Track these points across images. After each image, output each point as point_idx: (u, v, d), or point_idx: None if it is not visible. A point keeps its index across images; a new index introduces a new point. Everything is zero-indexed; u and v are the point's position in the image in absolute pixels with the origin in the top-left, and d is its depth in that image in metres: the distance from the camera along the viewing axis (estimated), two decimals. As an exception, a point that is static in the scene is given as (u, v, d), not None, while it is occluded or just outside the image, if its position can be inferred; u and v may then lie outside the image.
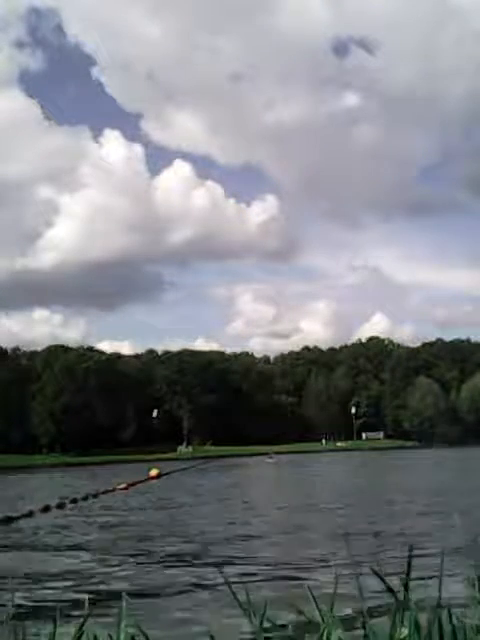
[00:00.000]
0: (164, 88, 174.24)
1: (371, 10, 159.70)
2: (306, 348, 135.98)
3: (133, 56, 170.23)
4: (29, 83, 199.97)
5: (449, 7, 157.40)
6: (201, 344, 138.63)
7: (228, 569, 9.43)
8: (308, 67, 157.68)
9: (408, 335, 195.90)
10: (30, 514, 17.84)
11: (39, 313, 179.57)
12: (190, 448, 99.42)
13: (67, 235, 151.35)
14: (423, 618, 1.54)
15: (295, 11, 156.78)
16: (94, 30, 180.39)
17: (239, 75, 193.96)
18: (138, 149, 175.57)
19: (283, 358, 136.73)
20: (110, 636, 1.57)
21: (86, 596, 7.35)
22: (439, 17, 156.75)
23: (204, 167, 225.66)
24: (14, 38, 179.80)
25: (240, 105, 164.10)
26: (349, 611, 2.38)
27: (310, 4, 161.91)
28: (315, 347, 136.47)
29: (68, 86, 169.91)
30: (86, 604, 6.82)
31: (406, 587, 1.56)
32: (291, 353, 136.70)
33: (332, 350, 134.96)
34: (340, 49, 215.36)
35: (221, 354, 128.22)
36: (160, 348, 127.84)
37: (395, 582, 1.62)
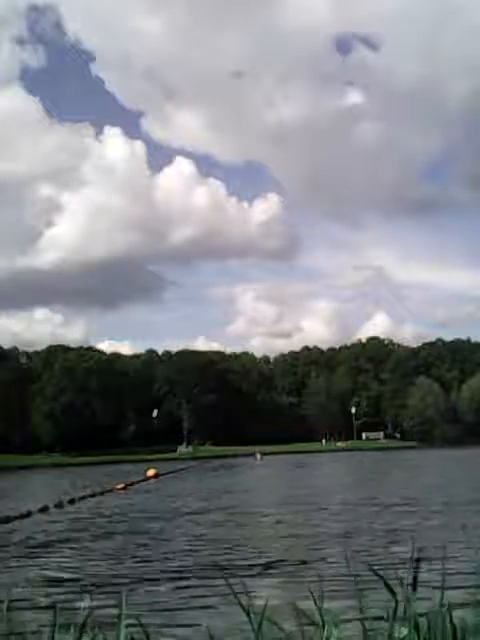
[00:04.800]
0: (165, 85, 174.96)
1: (374, 7, 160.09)
2: (306, 348, 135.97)
3: (133, 53, 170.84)
4: (30, 80, 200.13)
5: (452, 4, 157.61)
6: (202, 344, 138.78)
7: (227, 569, 9.37)
8: (310, 64, 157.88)
9: (408, 335, 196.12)
10: (28, 514, 17.81)
11: (40, 312, 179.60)
12: (190, 448, 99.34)
13: (68, 234, 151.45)
14: (422, 618, 1.54)
15: (297, 8, 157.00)
16: (94, 27, 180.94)
17: (240, 72, 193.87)
18: (139, 147, 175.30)
19: (283, 358, 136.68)
20: (105, 637, 1.58)
21: (86, 595, 7.30)
22: (442, 14, 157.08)
23: (206, 165, 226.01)
24: (14, 35, 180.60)
25: (241, 103, 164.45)
26: (349, 610, 2.32)
27: (312, 1, 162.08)
28: (315, 347, 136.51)
29: (68, 83, 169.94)
30: (86, 603, 6.77)
31: (408, 586, 1.58)
32: (291, 353, 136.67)
33: (332, 350, 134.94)
34: (342, 46, 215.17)
35: (221, 354, 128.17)
36: (160, 348, 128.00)
37: (394, 581, 1.62)
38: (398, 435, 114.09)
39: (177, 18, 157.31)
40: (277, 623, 1.57)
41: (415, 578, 1.66)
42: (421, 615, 1.54)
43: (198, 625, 6.62)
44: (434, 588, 1.57)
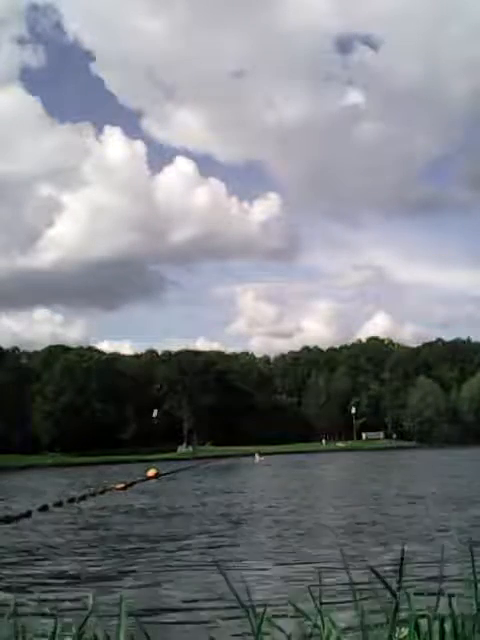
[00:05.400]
0: (165, 85, 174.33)
1: (374, 7, 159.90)
2: (306, 348, 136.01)
3: (133, 53, 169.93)
4: (30, 80, 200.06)
5: (452, 4, 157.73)
6: (202, 344, 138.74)
7: (227, 568, 9.38)
8: (310, 64, 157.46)
9: (408, 335, 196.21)
10: (28, 514, 17.81)
11: (40, 312, 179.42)
12: (190, 448, 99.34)
13: (68, 234, 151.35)
14: (423, 618, 1.54)
15: (297, 8, 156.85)
16: (94, 27, 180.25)
17: (240, 72, 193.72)
18: (139, 147, 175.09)
19: (283, 358, 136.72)
20: (108, 636, 1.58)
21: (86, 595, 7.30)
22: (442, 14, 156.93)
23: (206, 165, 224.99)
24: (14, 35, 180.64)
25: (242, 103, 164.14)
26: (349, 610, 2.33)
27: (313, 0, 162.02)
28: (315, 347, 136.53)
29: (68, 83, 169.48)
30: (89, 603, 6.77)
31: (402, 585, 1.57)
32: (291, 353, 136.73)
33: (332, 350, 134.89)
34: (343, 46, 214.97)
35: (221, 354, 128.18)
36: (160, 348, 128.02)
37: (394, 581, 1.62)
38: (395, 435, 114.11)
39: (177, 18, 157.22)
40: (277, 625, 1.57)
41: (400, 574, 1.66)
42: (422, 616, 1.55)
43: (197, 625, 6.63)
44: (434, 588, 1.72)
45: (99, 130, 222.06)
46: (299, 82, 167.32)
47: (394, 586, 1.57)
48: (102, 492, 25.60)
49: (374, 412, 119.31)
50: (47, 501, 20.73)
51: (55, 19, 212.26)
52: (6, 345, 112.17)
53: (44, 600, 7.63)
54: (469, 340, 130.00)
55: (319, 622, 1.57)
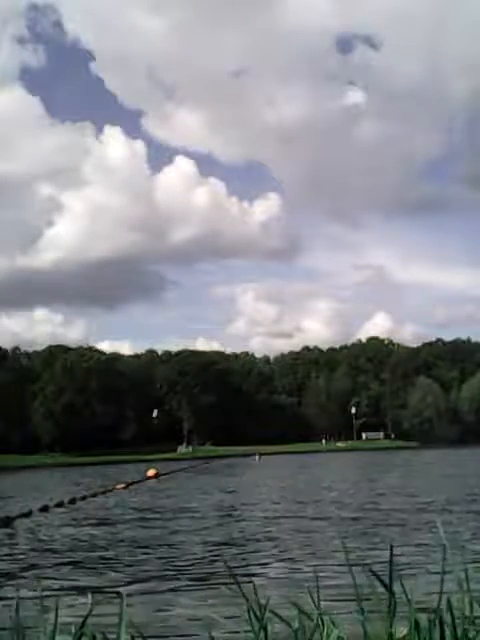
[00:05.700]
0: (165, 85, 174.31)
1: (375, 7, 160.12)
2: (306, 348, 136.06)
3: (133, 53, 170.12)
4: (30, 80, 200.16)
5: (452, 4, 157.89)
6: (202, 344, 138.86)
7: (227, 568, 9.39)
8: (311, 64, 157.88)
9: (408, 335, 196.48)
10: (29, 514, 17.83)
11: (40, 312, 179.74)
12: (190, 448, 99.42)
13: (68, 234, 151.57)
14: (423, 617, 1.54)
15: (298, 7, 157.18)
16: (93, 26, 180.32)
17: (241, 72, 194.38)
18: (139, 146, 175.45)
19: (283, 358, 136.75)
20: (106, 637, 1.57)
21: (86, 596, 7.31)
22: (442, 14, 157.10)
23: (206, 165, 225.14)
24: (14, 35, 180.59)
25: (242, 102, 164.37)
26: (349, 610, 2.34)
27: (313, 0, 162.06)
28: (315, 347, 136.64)
29: (68, 83, 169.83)
30: (88, 603, 6.78)
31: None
32: (291, 353, 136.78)
33: (332, 350, 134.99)
34: (343, 46, 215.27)
35: (221, 354, 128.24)
36: (160, 348, 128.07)
37: (394, 581, 1.62)
38: (393, 435, 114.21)
39: (177, 17, 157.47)
40: (281, 618, 1.58)
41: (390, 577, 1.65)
42: (421, 615, 1.55)
43: (197, 624, 6.64)
44: (434, 586, 1.67)
45: (99, 130, 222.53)
46: (299, 82, 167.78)
47: (392, 586, 1.57)
48: (102, 492, 25.61)
49: (374, 412, 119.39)
50: (47, 501, 20.75)
51: (55, 19, 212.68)
52: (6, 345, 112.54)
53: (44, 601, 7.64)
54: (469, 340, 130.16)
55: (319, 622, 1.57)
